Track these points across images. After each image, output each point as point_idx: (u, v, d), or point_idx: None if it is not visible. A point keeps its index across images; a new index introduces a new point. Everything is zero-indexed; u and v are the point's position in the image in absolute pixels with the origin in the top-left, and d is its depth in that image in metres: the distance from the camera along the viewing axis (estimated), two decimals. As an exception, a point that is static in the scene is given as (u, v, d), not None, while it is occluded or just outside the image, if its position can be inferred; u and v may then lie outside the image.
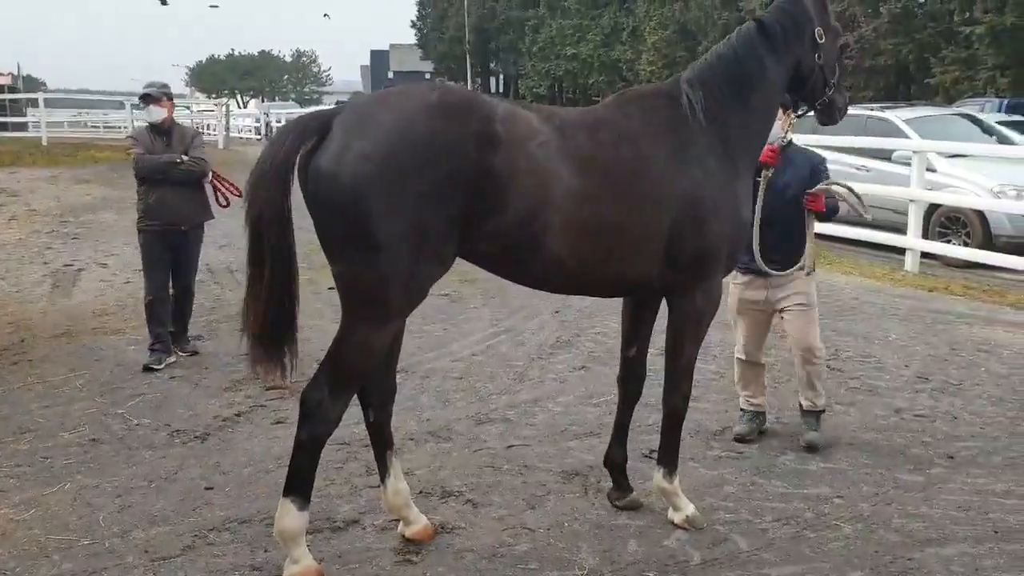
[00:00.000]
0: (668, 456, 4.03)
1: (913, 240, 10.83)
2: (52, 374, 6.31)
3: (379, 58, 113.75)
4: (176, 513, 4.13)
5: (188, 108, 41.85)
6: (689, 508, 3.99)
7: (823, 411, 5.11)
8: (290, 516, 3.39)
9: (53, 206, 15.87)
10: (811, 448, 4.90)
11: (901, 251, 11.01)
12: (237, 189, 6.62)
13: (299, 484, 3.40)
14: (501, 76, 61.09)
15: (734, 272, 4.88)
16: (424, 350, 6.88)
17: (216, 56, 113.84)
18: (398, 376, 6.10)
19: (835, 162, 12.73)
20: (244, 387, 6.01)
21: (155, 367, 6.40)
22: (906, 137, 12.31)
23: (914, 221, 10.80)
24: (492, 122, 3.27)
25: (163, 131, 6.83)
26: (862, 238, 11.57)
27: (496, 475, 4.56)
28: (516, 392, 5.92)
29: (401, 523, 3.89)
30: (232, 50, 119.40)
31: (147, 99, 6.81)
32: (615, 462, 4.25)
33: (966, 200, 11.10)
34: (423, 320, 7.83)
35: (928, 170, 11.65)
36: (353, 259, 3.19)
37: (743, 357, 5.17)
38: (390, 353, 3.69)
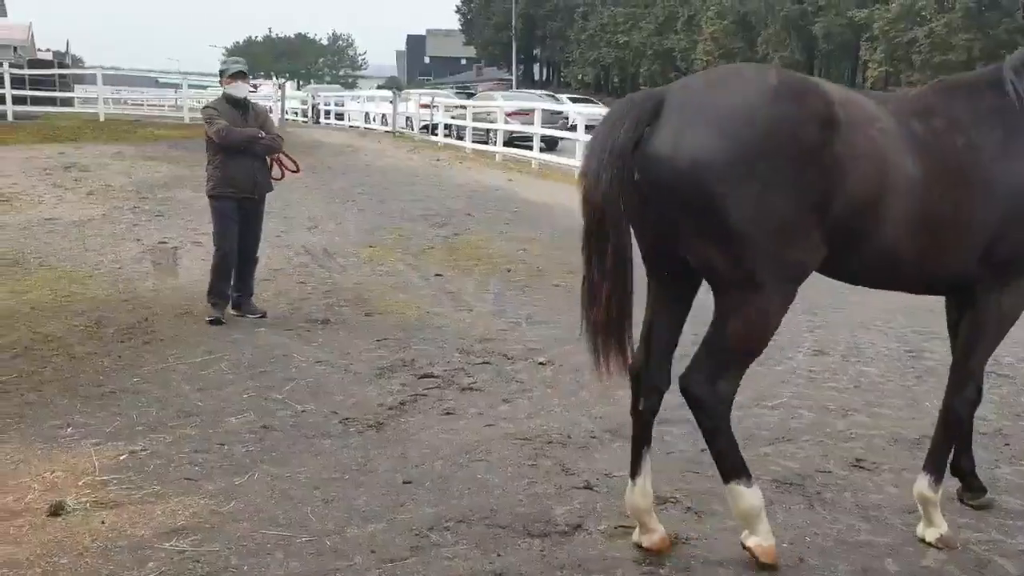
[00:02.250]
0: (936, 463, 3.75)
1: None
2: (190, 355, 6.12)
3: (415, 43, 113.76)
4: (384, 508, 3.91)
5: (254, 87, 41.67)
6: (943, 526, 3.71)
7: None
8: (745, 495, 3.38)
9: (127, 183, 15.75)
10: None
11: None
12: (297, 165, 7.45)
13: (732, 466, 3.40)
14: (546, 63, 60.64)
15: None
16: (560, 342, 6.63)
17: (254, 37, 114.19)
18: (521, 363, 5.99)
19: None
20: (395, 374, 5.80)
21: (222, 321, 6.94)
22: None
23: None
24: (831, 104, 3.16)
25: (242, 106, 7.18)
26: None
27: (704, 481, 4.30)
28: (673, 391, 5.64)
29: (637, 529, 3.63)
30: (270, 31, 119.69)
31: (240, 75, 7.20)
32: (963, 468, 4.05)
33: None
34: (549, 311, 7.60)
35: None
36: (708, 248, 3.12)
37: None
38: (670, 337, 3.45)
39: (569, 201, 15.52)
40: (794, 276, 3.23)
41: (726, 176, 3.02)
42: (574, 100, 35.85)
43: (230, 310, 7.20)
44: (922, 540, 3.71)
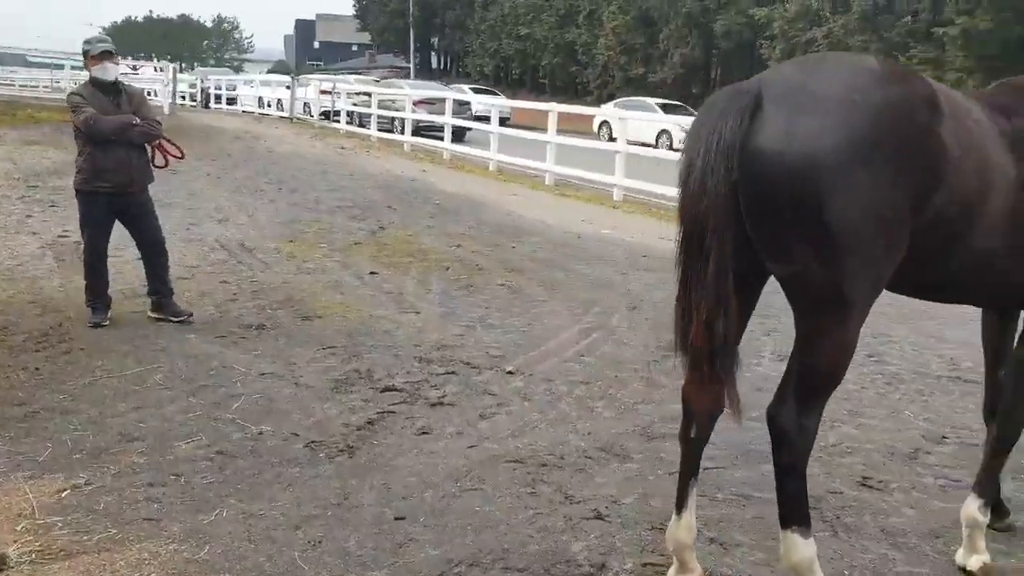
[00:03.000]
0: (988, 485, 3.56)
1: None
2: (119, 367, 5.49)
3: (305, 28, 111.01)
4: (381, 551, 3.46)
5: (134, 69, 39.56)
6: (986, 554, 3.51)
7: None
8: (800, 547, 3.05)
9: (11, 169, 14.61)
10: None
11: None
12: (181, 151, 6.83)
13: (797, 512, 3.06)
14: (443, 53, 59.96)
15: None
16: (523, 348, 6.27)
17: (133, 18, 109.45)
18: (487, 373, 5.63)
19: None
20: (353, 388, 5.32)
21: (103, 324, 6.34)
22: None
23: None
24: (935, 90, 2.90)
25: (112, 90, 6.48)
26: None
27: (718, 507, 4.01)
28: (659, 402, 5.37)
29: (674, 568, 3.30)
30: (151, 12, 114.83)
31: (106, 55, 6.43)
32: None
33: None
34: (501, 313, 7.23)
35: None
36: (803, 257, 2.79)
37: None
38: (725, 360, 3.10)
39: (492, 194, 15.22)
40: (879, 288, 2.95)
41: (840, 168, 2.70)
42: (476, 91, 35.46)
43: (150, 312, 6.59)
44: (963, 569, 3.50)
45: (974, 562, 3.49)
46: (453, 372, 5.69)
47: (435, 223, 11.71)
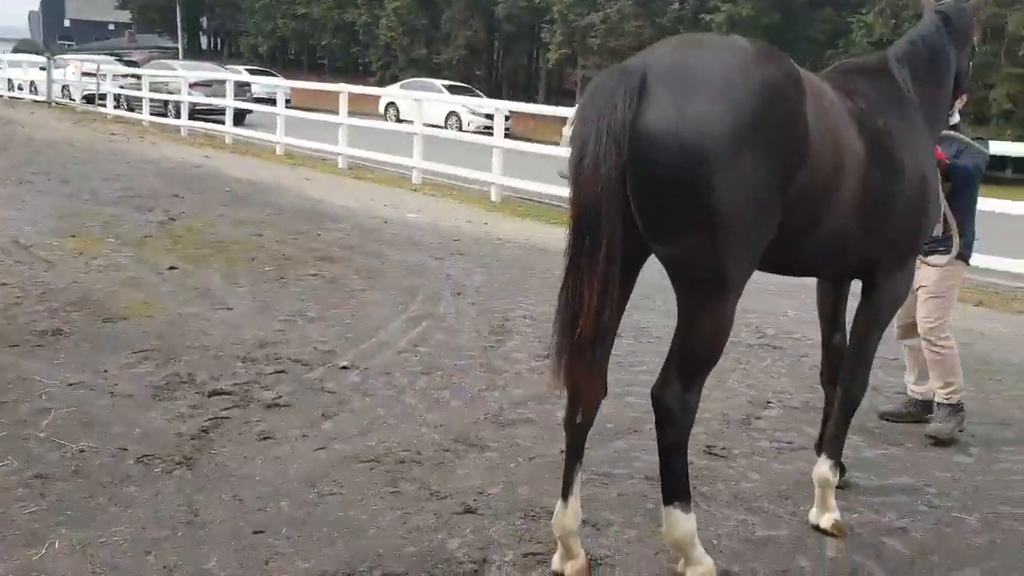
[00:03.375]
0: (835, 447, 3.75)
1: None
2: None
3: (53, 4, 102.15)
4: (247, 569, 3.20)
5: None
6: (837, 512, 3.72)
7: (952, 404, 4.87)
8: (681, 522, 3.11)
9: None
10: (935, 440, 4.79)
11: None
12: None
13: (679, 488, 3.11)
14: (214, 33, 57.07)
15: None
16: (352, 342, 6.05)
17: None
18: (320, 370, 5.39)
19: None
20: (177, 394, 4.92)
21: None
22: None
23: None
24: (798, 70, 3.00)
25: None
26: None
27: (586, 487, 4.01)
28: (503, 387, 5.33)
29: (558, 555, 3.26)
30: None
31: None
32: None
33: None
34: (321, 305, 6.95)
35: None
36: (692, 239, 2.81)
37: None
38: (610, 342, 3.06)
39: (285, 179, 14.62)
40: (753, 268, 3.02)
41: (728, 150, 2.72)
42: (252, 72, 34.11)
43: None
44: (816, 527, 3.69)
45: (826, 520, 3.69)
46: (283, 371, 5.39)
47: (229, 211, 11.12)
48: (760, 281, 8.77)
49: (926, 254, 4.63)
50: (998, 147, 12.97)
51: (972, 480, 4.33)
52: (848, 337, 3.83)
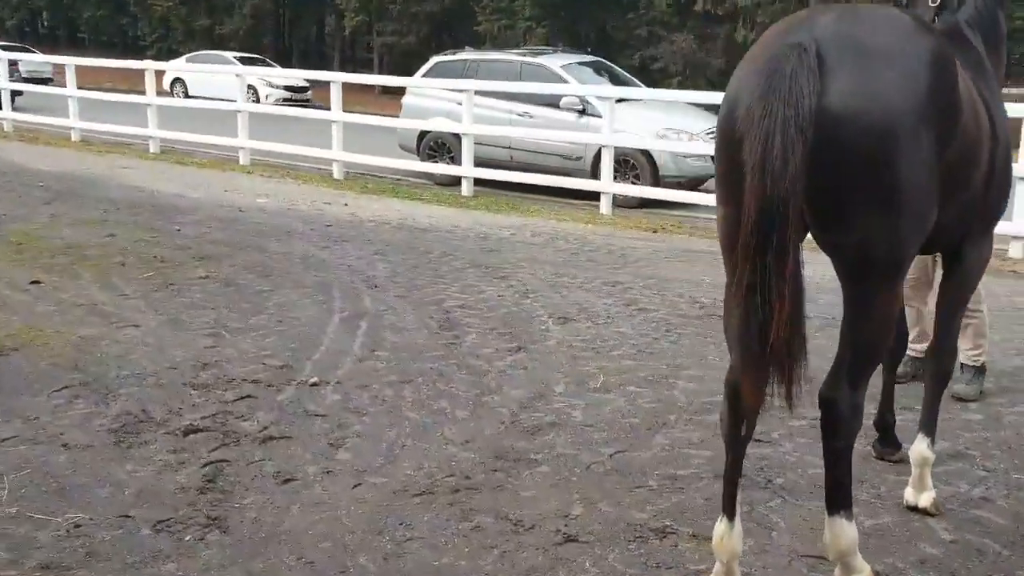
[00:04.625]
0: (932, 423, 3.66)
1: (607, 184, 11.32)
2: None
3: None
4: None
5: None
6: (933, 490, 3.67)
7: (977, 366, 4.93)
8: (847, 532, 2.92)
9: None
10: (962, 401, 4.83)
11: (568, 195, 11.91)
12: None
13: (846, 496, 2.93)
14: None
15: None
16: (301, 353, 5.44)
17: None
18: (291, 390, 4.81)
19: (493, 108, 12.91)
20: (143, 437, 4.20)
21: None
22: (564, 82, 12.78)
23: (608, 165, 11.25)
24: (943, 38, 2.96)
25: None
26: (546, 185, 11.95)
27: (660, 496, 3.76)
28: (498, 389, 4.94)
29: (717, 578, 2.99)
30: None
31: None
32: (887, 423, 4.10)
33: (650, 143, 11.90)
34: (237, 313, 6.24)
35: (590, 115, 12.31)
36: (874, 221, 2.63)
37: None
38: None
39: (100, 169, 13.14)
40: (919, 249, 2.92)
41: (912, 127, 2.59)
42: (5, 48, 30.71)
43: None
44: (914, 508, 3.62)
45: (925, 498, 3.62)
46: (249, 395, 4.74)
47: (58, 210, 9.87)
48: (654, 248, 8.85)
49: None
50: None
51: (999, 437, 4.43)
52: (935, 310, 3.75)
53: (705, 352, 5.60)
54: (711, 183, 12.39)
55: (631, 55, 22.62)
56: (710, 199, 10.98)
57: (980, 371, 4.96)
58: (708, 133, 12.52)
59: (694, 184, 12.39)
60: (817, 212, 2.65)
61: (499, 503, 3.63)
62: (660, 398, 4.82)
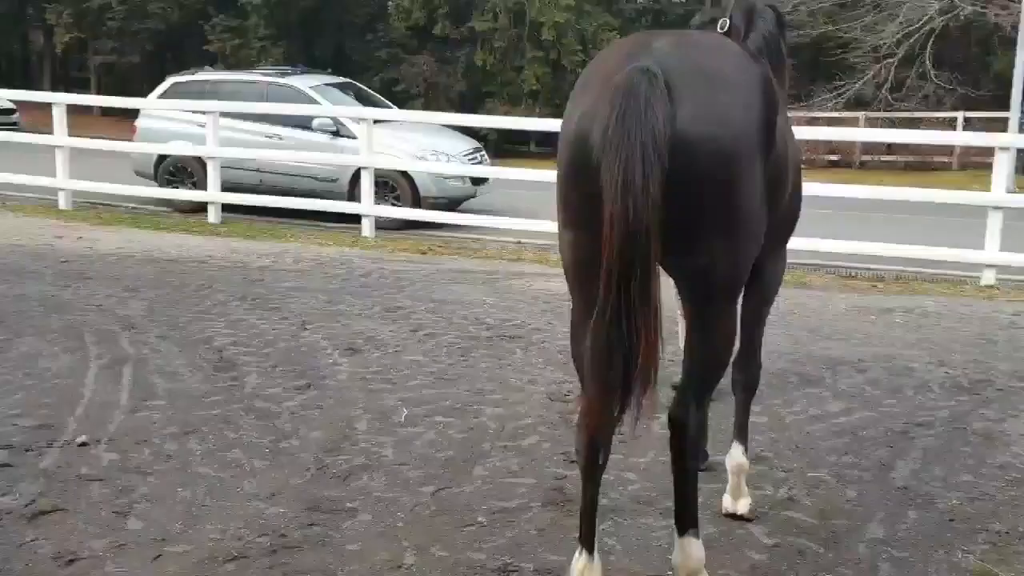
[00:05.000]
0: (745, 432, 3.78)
1: (368, 207, 11.09)
2: None
3: None
4: None
5: None
6: (749, 497, 3.77)
7: None
8: (697, 551, 2.94)
9: None
10: None
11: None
12: None
13: (693, 514, 2.95)
14: None
15: None
16: (59, 408, 4.80)
17: None
18: (97, 452, 4.24)
19: (239, 130, 12.35)
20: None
21: None
22: (316, 103, 12.43)
23: (368, 187, 11.02)
24: None
25: None
26: (303, 209, 11.57)
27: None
28: (306, 435, 4.60)
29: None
30: None
31: None
32: None
33: (406, 164, 11.78)
34: (135, 331, 5.43)
35: (345, 136, 12.08)
36: (718, 245, 2.67)
37: None
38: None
39: None
40: None
41: (752, 151, 2.65)
42: None
43: None
44: (732, 515, 3.71)
45: (743, 505, 3.73)
46: (5, 464, 4.07)
47: None
48: (426, 271, 8.74)
49: None
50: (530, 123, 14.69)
51: (786, 438, 4.68)
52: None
53: (505, 375, 5.53)
54: (470, 203, 12.56)
55: (371, 77, 22.43)
56: (473, 219, 11.12)
57: None
58: (466, 155, 12.65)
59: (454, 205, 12.44)
60: (667, 237, 2.62)
61: (324, 560, 3.32)
62: (470, 426, 4.68)
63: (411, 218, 11.39)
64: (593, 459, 2.81)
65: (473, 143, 13.45)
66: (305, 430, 4.59)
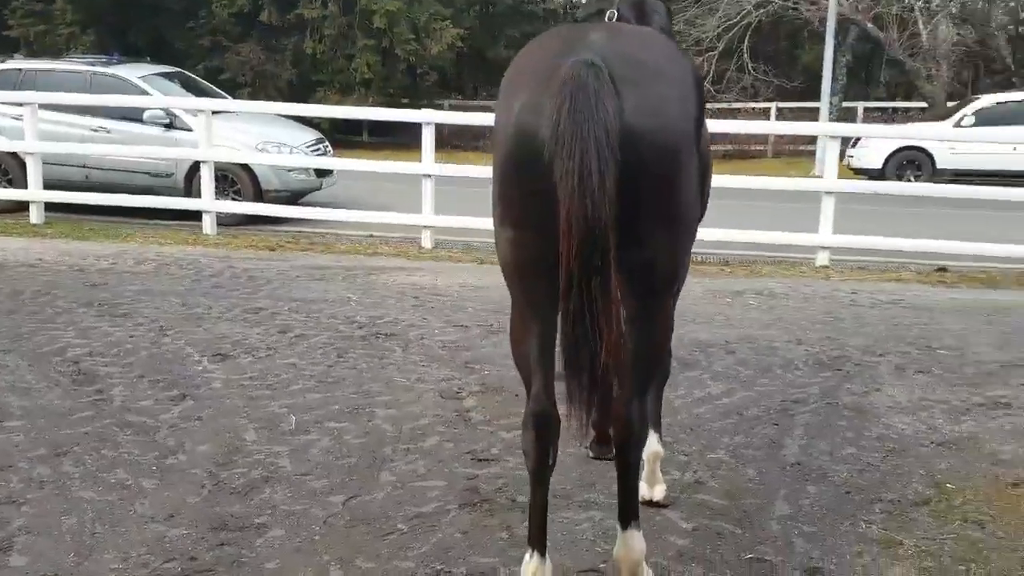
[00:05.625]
0: (658, 420, 3.82)
1: (209, 202, 10.58)
2: None
3: None
4: None
5: None
6: (663, 483, 3.83)
7: None
8: (639, 543, 2.94)
9: None
10: None
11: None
12: None
13: (636, 507, 2.96)
14: None
15: None
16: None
17: None
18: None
19: (61, 123, 11.53)
20: None
21: None
22: (147, 94, 11.74)
23: (208, 182, 10.50)
24: None
25: None
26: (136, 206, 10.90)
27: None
28: (214, 453, 4.31)
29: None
30: None
31: None
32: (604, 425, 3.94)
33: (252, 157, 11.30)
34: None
35: (179, 128, 11.51)
36: (662, 237, 2.66)
37: None
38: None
39: None
40: None
41: (690, 144, 2.68)
42: None
43: None
44: (648, 502, 3.74)
45: (659, 492, 3.77)
46: None
47: None
48: (279, 268, 8.42)
49: None
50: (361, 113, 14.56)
51: (678, 421, 4.79)
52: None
53: (389, 375, 5.38)
54: (313, 196, 12.21)
55: (194, 65, 21.35)
56: (321, 213, 10.82)
57: None
58: (308, 146, 12.29)
59: (297, 198, 12.07)
60: (615, 232, 2.59)
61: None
62: (365, 430, 4.52)
63: (254, 213, 10.94)
64: (543, 460, 2.76)
65: (316, 134, 13.08)
66: (190, 444, 4.30)
